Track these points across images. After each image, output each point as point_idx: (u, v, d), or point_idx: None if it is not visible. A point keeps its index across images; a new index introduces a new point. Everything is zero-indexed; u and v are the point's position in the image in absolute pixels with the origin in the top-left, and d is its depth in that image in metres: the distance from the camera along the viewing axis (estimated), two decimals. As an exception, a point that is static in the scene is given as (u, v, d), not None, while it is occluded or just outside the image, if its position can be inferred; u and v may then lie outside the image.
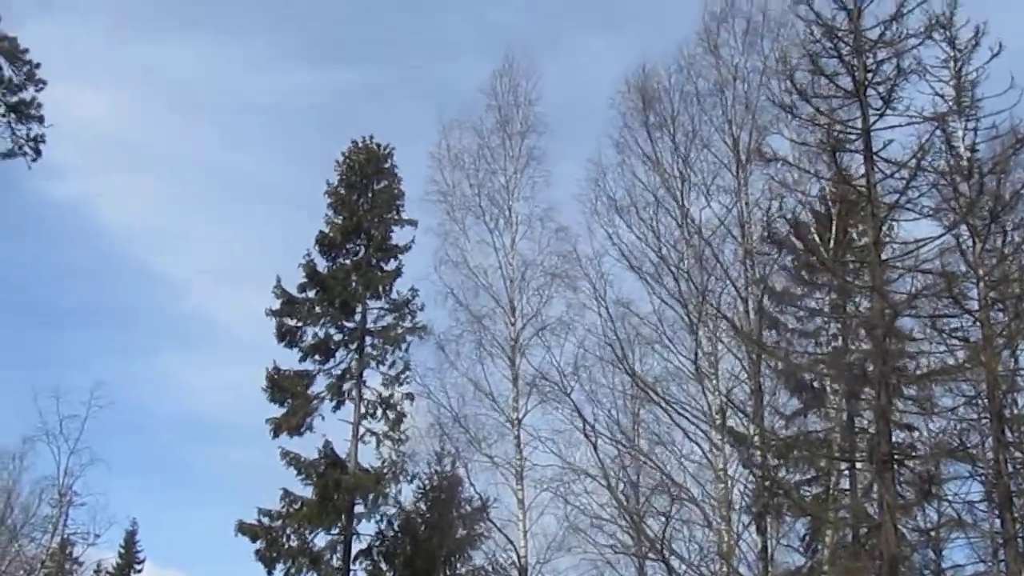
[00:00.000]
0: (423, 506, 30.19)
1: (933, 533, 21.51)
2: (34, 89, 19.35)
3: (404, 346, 30.49)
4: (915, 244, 19.29)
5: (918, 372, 20.38)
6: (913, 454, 21.03)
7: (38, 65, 19.46)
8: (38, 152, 19.12)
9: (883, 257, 19.49)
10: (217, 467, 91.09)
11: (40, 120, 18.83)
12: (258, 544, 28.64)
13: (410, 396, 30.14)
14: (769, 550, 23.76)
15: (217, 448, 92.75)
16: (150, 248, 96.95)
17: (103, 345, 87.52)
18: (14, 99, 18.76)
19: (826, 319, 23.54)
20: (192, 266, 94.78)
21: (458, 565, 29.92)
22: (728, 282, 24.96)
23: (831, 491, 23.43)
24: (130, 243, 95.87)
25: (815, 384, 24.03)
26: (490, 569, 29.26)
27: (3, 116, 19.00)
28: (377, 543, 29.71)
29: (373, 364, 30.57)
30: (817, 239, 22.61)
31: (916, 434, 21.80)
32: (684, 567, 25.14)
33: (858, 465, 22.52)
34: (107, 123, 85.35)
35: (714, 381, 24.85)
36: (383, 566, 29.76)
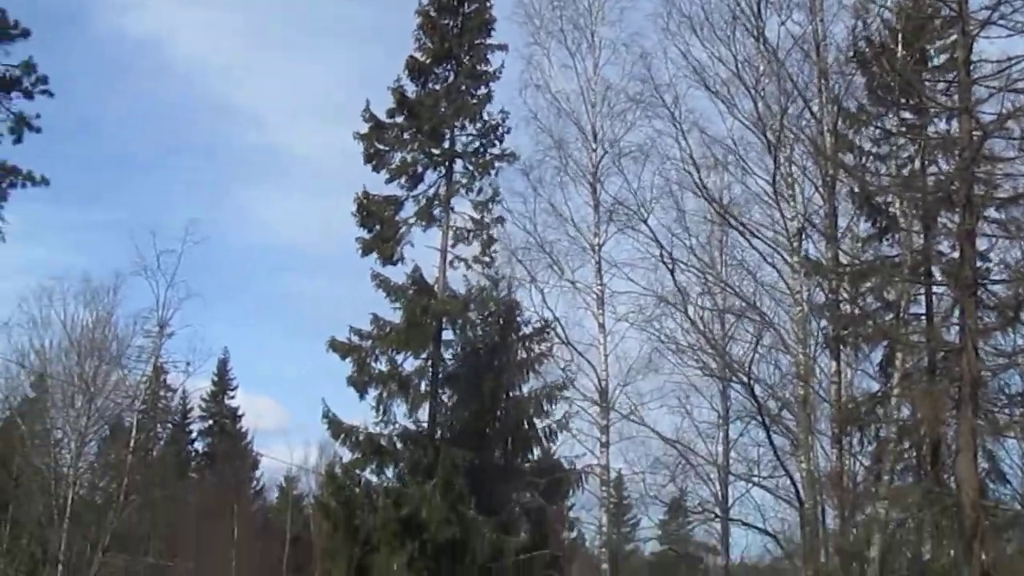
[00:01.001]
0: (483, 331, 31.05)
1: (1014, 358, 22.65)
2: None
3: (494, 172, 30.84)
4: (1007, 62, 18.85)
5: (1004, 195, 20.22)
6: (996, 279, 22.05)
7: None
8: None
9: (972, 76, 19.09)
10: (301, 298, 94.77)
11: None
12: (349, 367, 29.54)
13: (500, 220, 30.60)
14: (844, 375, 23.93)
15: (301, 279, 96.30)
16: (227, 83, 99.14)
17: (183, 180, 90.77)
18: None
19: (903, 140, 23.27)
20: (269, 101, 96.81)
21: (522, 386, 31.00)
22: (804, 103, 24.64)
23: (901, 316, 23.46)
24: (206, 79, 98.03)
25: (890, 208, 23.94)
26: (563, 389, 30.43)
27: None
28: (443, 368, 30.57)
29: (462, 190, 30.88)
30: (896, 58, 21.81)
31: (992, 261, 22.69)
32: (765, 391, 26.75)
33: (934, 289, 23.04)
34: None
35: (791, 204, 24.75)
36: (450, 391, 30.91)
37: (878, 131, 24.14)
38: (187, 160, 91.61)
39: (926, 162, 22.99)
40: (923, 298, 24.07)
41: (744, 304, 26.04)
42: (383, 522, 27.77)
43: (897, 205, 23.69)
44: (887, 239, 24.60)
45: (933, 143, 22.34)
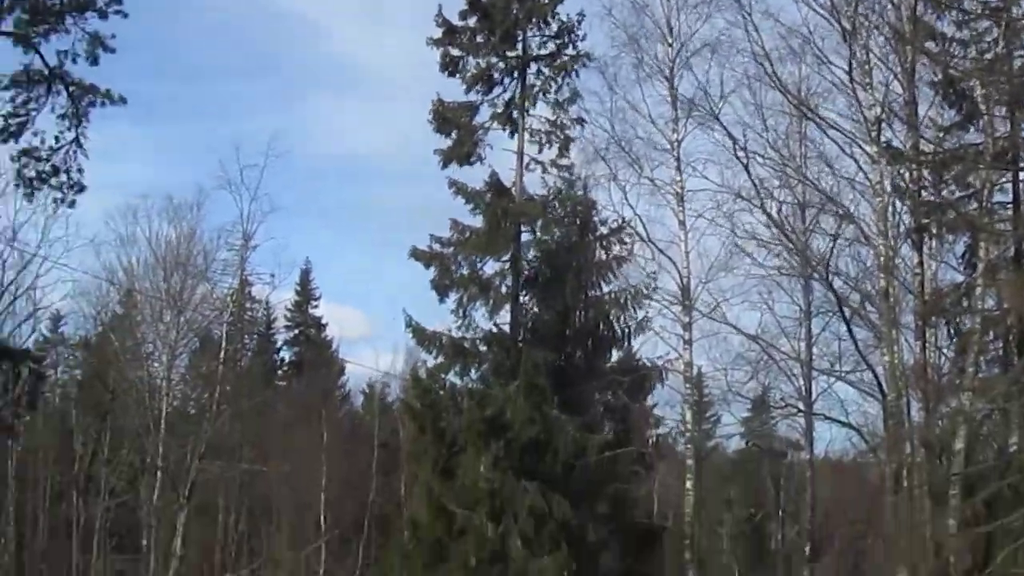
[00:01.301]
0: (561, 232, 31.01)
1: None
2: None
3: (571, 74, 30.57)
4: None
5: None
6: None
7: None
8: None
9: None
10: (377, 207, 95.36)
11: None
12: (431, 272, 29.97)
13: (580, 121, 30.57)
14: (927, 266, 23.89)
15: (376, 189, 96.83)
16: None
17: (254, 94, 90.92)
18: None
19: (987, 23, 22.55)
20: (331, 7, 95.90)
21: (602, 286, 31.09)
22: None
23: (986, 204, 23.20)
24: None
25: (974, 94, 23.40)
26: (645, 289, 30.66)
27: None
28: (523, 270, 30.66)
29: (538, 93, 30.65)
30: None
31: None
32: (847, 285, 26.73)
33: (1021, 176, 22.45)
34: None
35: (870, 92, 24.36)
36: (530, 293, 30.98)
37: (960, 14, 23.57)
38: (257, 74, 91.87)
39: (1011, 45, 22.44)
40: (1009, 185, 23.68)
41: (824, 197, 25.89)
42: (468, 423, 28.33)
43: (980, 91, 23.24)
44: (971, 125, 24.18)
45: (1019, 25, 21.81)
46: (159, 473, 40.85)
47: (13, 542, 43.17)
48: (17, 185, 22.47)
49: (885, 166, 24.19)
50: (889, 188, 24.27)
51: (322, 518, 47.90)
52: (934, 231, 23.71)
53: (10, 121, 21.13)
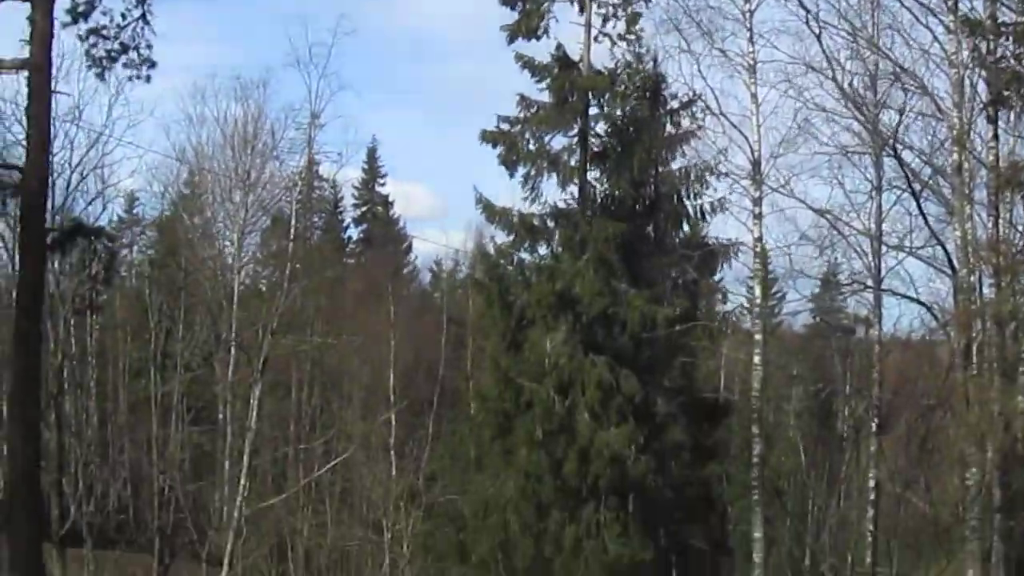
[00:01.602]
0: (628, 106, 30.64)
1: None
2: None
3: None
4: None
5: None
6: None
7: None
8: None
9: None
10: (448, 85, 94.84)
11: None
12: (499, 150, 30.15)
13: (647, -1, 29.80)
14: (1002, 140, 23.50)
15: (444, 65, 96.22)
16: None
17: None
18: None
19: None
20: None
21: (671, 161, 31.07)
22: None
23: None
24: None
25: None
26: (715, 164, 30.45)
27: None
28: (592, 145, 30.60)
29: None
30: None
31: None
32: (919, 158, 26.41)
33: None
34: None
35: None
36: (599, 167, 30.97)
37: None
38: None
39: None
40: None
41: (897, 68, 25.43)
42: (537, 297, 28.64)
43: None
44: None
45: None
46: (233, 349, 41.71)
47: (96, 416, 44.54)
48: (89, 66, 22.60)
49: (962, 37, 23.64)
50: (966, 59, 23.75)
51: (392, 391, 48.81)
52: (1012, 103, 23.22)
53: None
